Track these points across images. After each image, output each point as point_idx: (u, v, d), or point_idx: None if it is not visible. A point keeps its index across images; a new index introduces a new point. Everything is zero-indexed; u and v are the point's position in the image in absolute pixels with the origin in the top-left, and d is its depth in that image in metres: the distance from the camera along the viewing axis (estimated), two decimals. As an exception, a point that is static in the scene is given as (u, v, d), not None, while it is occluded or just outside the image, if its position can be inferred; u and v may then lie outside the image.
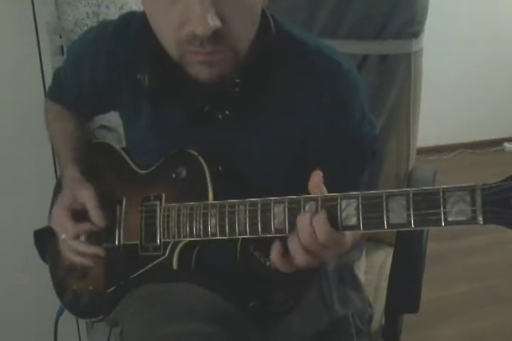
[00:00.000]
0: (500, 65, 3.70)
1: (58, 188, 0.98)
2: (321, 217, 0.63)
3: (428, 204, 0.58)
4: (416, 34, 1.24)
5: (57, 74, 1.01)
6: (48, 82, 1.12)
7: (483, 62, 3.64)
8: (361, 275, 1.16)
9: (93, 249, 0.86)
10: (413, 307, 1.01)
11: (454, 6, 3.35)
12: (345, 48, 0.98)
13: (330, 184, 0.68)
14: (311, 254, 0.66)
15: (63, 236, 0.87)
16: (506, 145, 3.86)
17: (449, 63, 3.49)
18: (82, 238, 0.87)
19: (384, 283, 1.12)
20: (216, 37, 0.68)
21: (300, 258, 0.67)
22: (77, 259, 0.88)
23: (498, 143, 3.86)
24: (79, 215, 0.87)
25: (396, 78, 1.26)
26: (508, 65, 3.72)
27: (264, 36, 0.78)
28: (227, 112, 0.81)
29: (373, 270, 1.28)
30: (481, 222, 0.55)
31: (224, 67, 0.73)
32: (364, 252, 1.26)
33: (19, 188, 1.33)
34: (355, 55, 1.20)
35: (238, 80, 0.78)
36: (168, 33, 0.71)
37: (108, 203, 0.89)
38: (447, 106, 3.59)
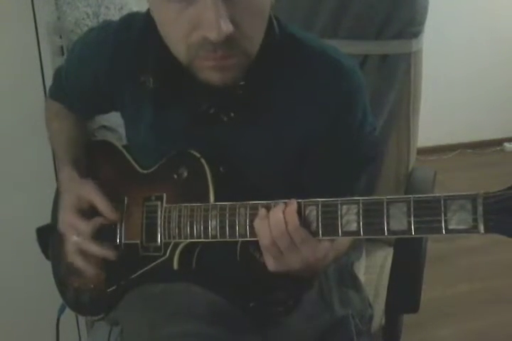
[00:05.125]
0: (500, 65, 3.69)
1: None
2: (293, 207, 0.66)
3: (429, 212, 0.58)
4: (416, 34, 1.24)
5: (58, 74, 1.01)
6: (48, 82, 1.12)
7: (483, 63, 3.63)
8: (361, 276, 1.16)
9: (105, 252, 0.85)
10: (413, 307, 1.01)
11: (454, 7, 3.34)
12: (345, 48, 0.98)
13: (327, 186, 0.68)
14: (281, 252, 0.69)
15: (75, 237, 0.86)
16: (506, 145, 3.85)
17: (449, 63, 3.49)
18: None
19: (384, 283, 1.12)
20: (229, 42, 0.67)
21: (270, 255, 0.70)
22: (82, 265, 0.87)
23: (498, 143, 3.85)
24: (87, 214, 0.87)
25: (396, 78, 1.26)
26: (507, 65, 3.71)
27: (268, 38, 0.78)
28: (232, 114, 0.81)
29: (373, 270, 1.28)
30: (482, 231, 0.56)
31: (237, 72, 0.73)
32: (364, 252, 1.26)
33: (21, 186, 1.33)
34: (355, 55, 1.20)
35: (242, 83, 0.78)
36: (178, 38, 0.70)
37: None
38: (447, 106, 3.59)
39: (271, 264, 0.71)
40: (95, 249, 0.85)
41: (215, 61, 0.69)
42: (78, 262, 0.87)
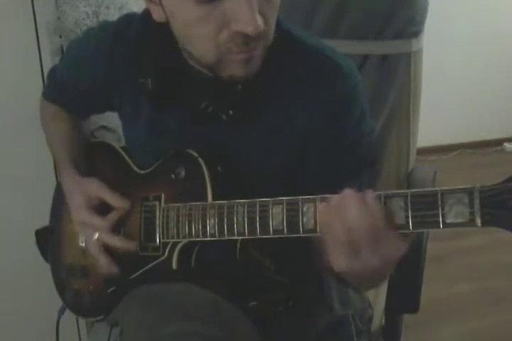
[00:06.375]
0: (500, 64, 3.70)
1: (59, 190, 0.99)
2: (372, 195, 0.60)
3: (426, 206, 0.58)
4: (416, 34, 1.24)
5: (53, 74, 1.01)
6: (48, 82, 1.12)
7: (483, 62, 3.64)
8: (361, 276, 1.16)
9: (128, 244, 0.86)
10: (413, 307, 1.02)
11: (454, 6, 3.35)
12: (345, 48, 0.98)
13: (327, 187, 0.68)
14: (357, 249, 0.60)
15: (97, 235, 0.87)
16: (506, 145, 3.85)
17: (449, 63, 3.49)
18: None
19: (384, 283, 1.12)
20: (259, 35, 0.69)
21: (342, 253, 0.61)
22: (106, 262, 0.87)
23: (498, 143, 3.86)
24: (100, 211, 0.88)
25: (396, 78, 1.26)
26: (508, 64, 3.72)
27: None
28: (230, 112, 0.81)
29: (373, 270, 1.27)
30: (479, 225, 0.55)
31: (258, 64, 0.74)
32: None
33: (19, 188, 1.33)
34: (355, 55, 1.20)
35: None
36: (206, 37, 0.70)
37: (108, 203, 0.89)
38: (447, 106, 3.59)
39: (341, 263, 0.62)
40: (119, 242, 0.86)
41: (246, 54, 0.71)
42: (103, 259, 0.88)
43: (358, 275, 0.65)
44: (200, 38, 0.72)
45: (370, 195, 0.60)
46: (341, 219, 0.60)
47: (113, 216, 0.87)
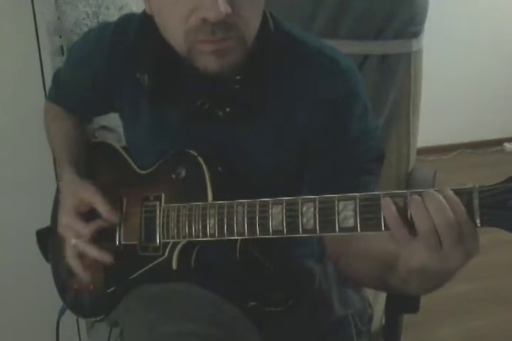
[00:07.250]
0: (500, 65, 3.70)
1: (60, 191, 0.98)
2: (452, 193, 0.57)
3: None
4: (416, 34, 1.24)
5: (57, 76, 1.01)
6: (48, 82, 1.12)
7: (483, 62, 3.64)
8: (361, 276, 1.16)
9: (103, 255, 0.85)
10: (413, 307, 1.01)
11: (454, 6, 3.35)
12: (345, 48, 0.98)
13: (328, 184, 0.68)
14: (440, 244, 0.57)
15: (74, 241, 0.85)
16: (506, 145, 3.85)
17: (449, 63, 3.49)
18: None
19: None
20: (226, 23, 0.68)
21: (425, 249, 0.58)
22: (78, 269, 0.87)
23: (498, 143, 3.85)
24: (88, 216, 0.86)
25: (396, 78, 1.26)
26: (507, 65, 3.72)
27: (264, 34, 0.79)
28: (227, 109, 0.81)
29: (373, 270, 1.27)
30: (478, 225, 0.56)
31: (234, 57, 0.73)
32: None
33: (20, 188, 1.33)
34: (355, 55, 1.20)
35: (238, 77, 0.78)
36: (176, 24, 0.71)
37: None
38: (447, 106, 3.59)
39: (421, 258, 0.59)
40: (94, 252, 0.85)
41: (214, 44, 0.71)
42: (75, 266, 0.87)
43: (432, 274, 0.61)
44: (171, 25, 0.73)
45: (448, 190, 0.57)
46: (423, 214, 0.57)
47: (96, 224, 0.85)
